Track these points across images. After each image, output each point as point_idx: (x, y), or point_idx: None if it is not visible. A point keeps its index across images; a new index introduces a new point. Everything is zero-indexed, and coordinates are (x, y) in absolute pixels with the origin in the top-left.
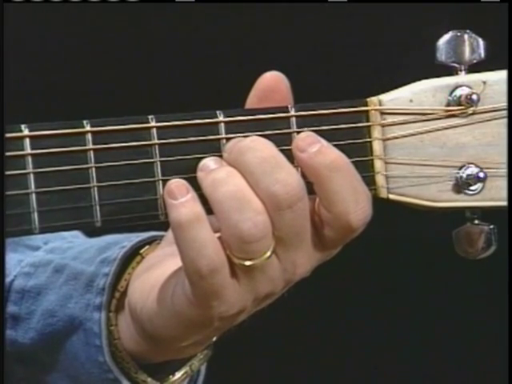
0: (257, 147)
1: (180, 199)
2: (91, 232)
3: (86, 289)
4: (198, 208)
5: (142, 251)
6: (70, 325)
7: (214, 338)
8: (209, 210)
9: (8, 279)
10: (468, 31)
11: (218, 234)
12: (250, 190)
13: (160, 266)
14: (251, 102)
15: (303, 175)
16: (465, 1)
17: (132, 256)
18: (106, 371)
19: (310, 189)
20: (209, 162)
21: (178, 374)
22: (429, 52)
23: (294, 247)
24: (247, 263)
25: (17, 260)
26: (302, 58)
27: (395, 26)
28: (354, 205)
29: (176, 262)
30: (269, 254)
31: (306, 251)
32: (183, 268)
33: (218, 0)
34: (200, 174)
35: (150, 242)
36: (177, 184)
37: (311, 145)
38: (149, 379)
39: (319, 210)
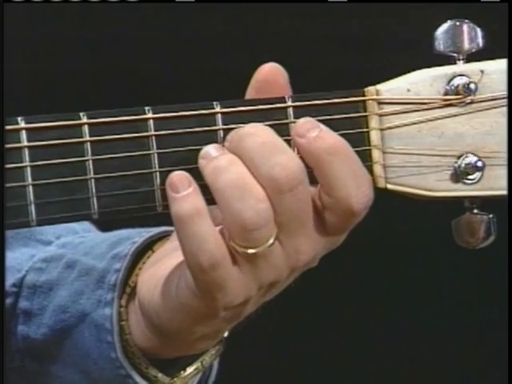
0: (256, 133)
1: (182, 192)
2: (101, 224)
3: (97, 285)
4: (200, 202)
5: (153, 246)
6: (82, 320)
7: (226, 334)
8: (210, 201)
9: (20, 274)
10: (466, 20)
11: (220, 226)
12: (252, 177)
13: (167, 260)
14: (250, 94)
15: (304, 163)
16: (465, 1)
17: (143, 251)
18: (117, 367)
19: (312, 177)
20: (210, 150)
21: (190, 370)
22: (428, 44)
23: (296, 232)
24: (250, 251)
25: (29, 255)
26: (300, 50)
27: (395, 25)
28: (355, 189)
29: (182, 256)
30: (271, 241)
31: (309, 237)
32: (185, 261)
33: (218, 0)
34: (201, 162)
35: (162, 237)
36: (179, 177)
37: (310, 130)
38: (159, 374)
39: (320, 195)
